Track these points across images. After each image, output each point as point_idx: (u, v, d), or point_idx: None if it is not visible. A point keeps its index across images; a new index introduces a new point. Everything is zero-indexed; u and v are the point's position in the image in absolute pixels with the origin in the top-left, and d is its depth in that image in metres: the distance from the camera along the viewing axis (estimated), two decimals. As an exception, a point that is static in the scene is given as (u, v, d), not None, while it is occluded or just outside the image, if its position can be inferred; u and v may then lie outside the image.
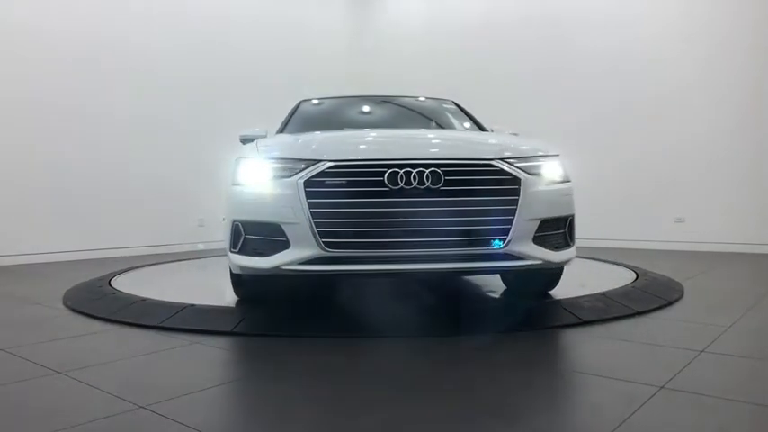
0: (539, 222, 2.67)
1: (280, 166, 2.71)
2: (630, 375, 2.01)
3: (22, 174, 5.68)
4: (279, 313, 3.07)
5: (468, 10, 8.22)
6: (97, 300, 3.41)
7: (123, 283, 3.88)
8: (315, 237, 2.54)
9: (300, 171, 2.62)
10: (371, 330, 2.72)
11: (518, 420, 1.62)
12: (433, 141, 3.11)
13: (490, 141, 3.12)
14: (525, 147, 2.91)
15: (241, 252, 2.78)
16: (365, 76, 8.57)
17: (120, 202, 6.24)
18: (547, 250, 2.72)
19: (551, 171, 2.84)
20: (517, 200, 2.61)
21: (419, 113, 4.31)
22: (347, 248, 2.56)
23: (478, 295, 3.60)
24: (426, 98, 4.50)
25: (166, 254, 6.08)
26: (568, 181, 2.92)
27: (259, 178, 2.74)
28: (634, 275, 4.01)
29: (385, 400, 1.80)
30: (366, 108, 4.39)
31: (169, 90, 6.77)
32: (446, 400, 1.80)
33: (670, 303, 3.32)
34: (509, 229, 2.58)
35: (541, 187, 2.73)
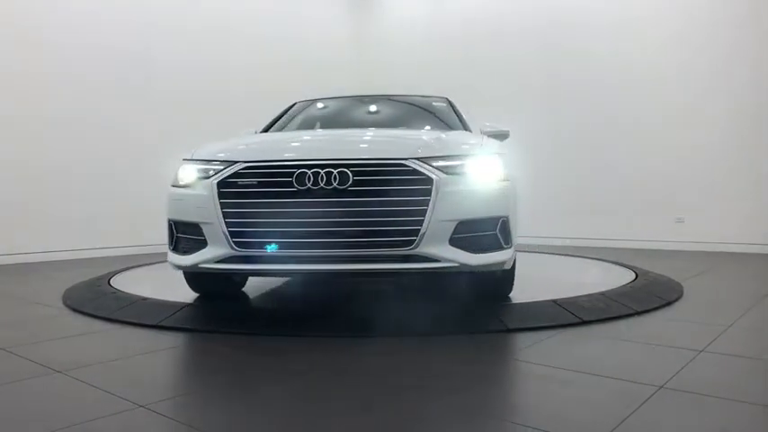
0: (455, 224, 2.58)
1: (203, 167, 2.80)
2: (630, 375, 2.01)
3: (21, 173, 5.67)
4: (281, 313, 3.07)
5: (468, 10, 8.22)
6: (97, 299, 3.41)
7: (123, 283, 3.88)
8: (226, 236, 2.62)
9: (218, 172, 2.72)
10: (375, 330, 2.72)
11: (517, 420, 1.62)
12: (352, 141, 3.02)
13: (409, 140, 2.94)
14: (452, 146, 2.83)
15: (174, 250, 2.93)
16: (367, 75, 8.58)
17: (120, 201, 6.24)
18: (465, 253, 2.59)
19: (481, 170, 2.71)
20: (428, 200, 2.53)
21: (401, 113, 4.28)
22: (256, 248, 2.62)
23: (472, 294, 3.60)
24: (418, 96, 4.47)
25: (167, 253, 6.06)
26: (505, 180, 2.80)
27: (188, 179, 2.85)
28: (634, 275, 4.01)
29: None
30: (351, 108, 4.41)
31: (170, 96, 6.78)
32: (444, 399, 1.80)
33: (670, 303, 3.32)
34: (419, 231, 2.52)
35: (461, 187, 2.62)
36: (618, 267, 4.56)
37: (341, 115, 4.32)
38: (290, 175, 2.59)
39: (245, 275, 3.42)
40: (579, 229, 7.06)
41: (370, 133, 3.51)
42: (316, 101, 4.64)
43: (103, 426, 1.63)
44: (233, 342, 2.57)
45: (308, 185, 2.56)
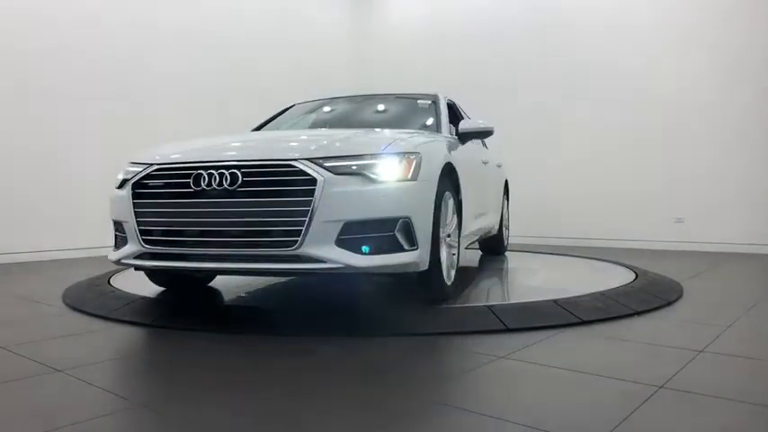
0: (341, 224, 2.54)
1: (130, 169, 2.97)
2: (629, 375, 2.02)
3: (21, 172, 5.67)
4: (276, 313, 3.07)
5: (468, 9, 8.22)
6: (96, 298, 3.41)
7: (123, 282, 3.88)
8: (137, 234, 2.80)
9: (135, 174, 2.89)
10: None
11: (517, 419, 1.62)
12: (249, 143, 3.04)
13: (304, 141, 2.93)
14: (352, 146, 2.78)
15: (114, 246, 3.08)
16: (368, 74, 8.59)
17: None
18: (352, 254, 2.54)
19: (379, 170, 2.65)
20: (311, 201, 2.52)
21: (384, 113, 4.28)
22: (159, 245, 2.77)
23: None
24: (404, 96, 4.45)
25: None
26: (410, 180, 2.70)
27: (120, 180, 3.03)
28: (633, 275, 4.01)
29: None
30: (340, 109, 4.44)
31: (170, 97, 6.78)
32: (444, 398, 1.80)
33: (669, 303, 3.32)
34: (302, 231, 2.52)
35: (351, 188, 2.57)
36: (618, 267, 4.56)
37: (327, 116, 4.37)
38: (189, 176, 2.71)
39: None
40: (579, 229, 7.07)
41: (277, 135, 3.49)
42: (310, 102, 4.71)
43: (103, 424, 1.63)
44: (233, 340, 2.58)
45: (203, 186, 2.66)
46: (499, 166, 5.33)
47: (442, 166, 2.95)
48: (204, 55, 7.17)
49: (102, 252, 5.95)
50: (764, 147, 6.12)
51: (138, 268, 3.07)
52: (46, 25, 5.87)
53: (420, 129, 3.77)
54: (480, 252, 5.66)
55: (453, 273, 3.19)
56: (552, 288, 3.78)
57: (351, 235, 2.55)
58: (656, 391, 1.84)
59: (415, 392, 1.86)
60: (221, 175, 2.64)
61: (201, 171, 2.68)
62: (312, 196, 2.52)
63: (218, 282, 3.89)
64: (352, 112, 4.37)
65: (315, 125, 4.25)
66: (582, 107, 7.19)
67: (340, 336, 2.63)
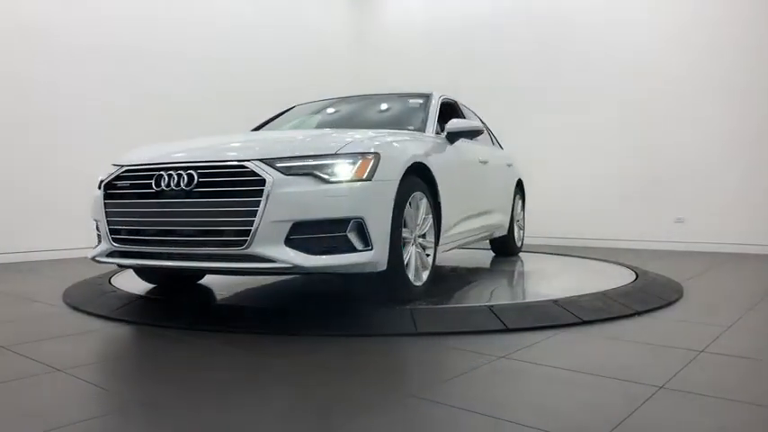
0: (290, 224, 2.57)
1: (108, 170, 3.08)
2: (629, 375, 2.02)
3: (21, 172, 5.68)
4: (269, 311, 3.07)
5: (469, 9, 8.22)
6: (97, 297, 3.42)
7: (124, 281, 3.88)
8: (107, 233, 2.94)
9: (110, 175, 3.01)
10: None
11: (517, 419, 1.63)
12: (207, 145, 3.07)
13: (259, 142, 2.94)
14: (307, 146, 2.81)
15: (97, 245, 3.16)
16: (370, 76, 8.59)
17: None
18: (302, 254, 2.56)
19: (331, 171, 2.66)
20: (259, 201, 2.56)
21: (375, 113, 4.28)
22: (126, 244, 2.89)
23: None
24: (396, 95, 4.44)
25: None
26: (365, 180, 2.69)
27: (99, 180, 3.13)
28: (634, 275, 4.01)
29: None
30: (335, 110, 4.46)
31: (170, 97, 6.78)
32: (443, 398, 1.80)
33: (669, 303, 3.32)
34: (251, 231, 2.56)
35: (300, 188, 2.59)
36: (618, 267, 4.56)
37: (323, 117, 4.40)
38: (151, 177, 2.81)
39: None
40: (579, 230, 7.07)
41: (242, 137, 3.47)
42: (309, 103, 4.76)
43: (104, 424, 1.63)
44: (233, 341, 2.58)
45: (163, 187, 2.75)
46: (509, 166, 5.26)
47: (407, 165, 2.93)
48: (204, 55, 7.17)
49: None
50: (765, 147, 6.12)
51: (120, 265, 3.18)
52: (46, 24, 5.88)
53: (405, 128, 3.72)
54: (493, 253, 5.57)
55: (427, 273, 3.19)
56: (552, 288, 3.78)
57: (300, 235, 2.57)
58: (656, 392, 1.84)
59: (415, 393, 1.86)
60: (179, 176, 2.72)
61: (162, 172, 2.78)
62: (261, 196, 2.56)
63: (220, 282, 3.90)
64: (346, 112, 4.38)
65: (307, 126, 4.33)
66: (582, 106, 7.19)
67: (339, 336, 2.63)
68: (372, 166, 2.72)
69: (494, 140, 5.44)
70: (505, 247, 5.43)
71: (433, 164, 3.27)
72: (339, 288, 3.74)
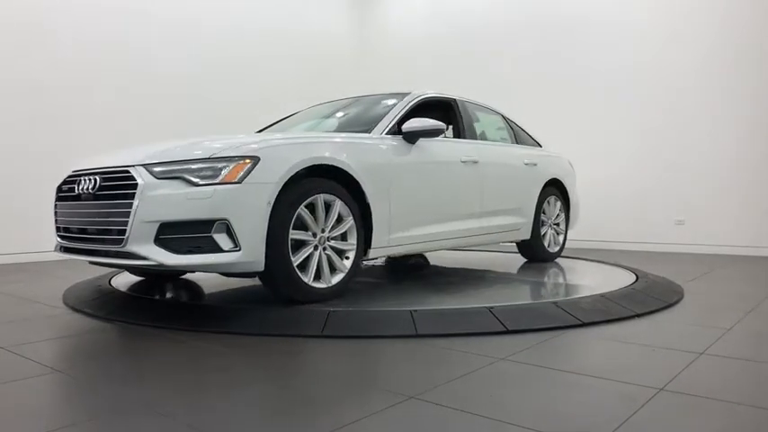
0: (158, 225, 2.73)
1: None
2: (630, 377, 2.01)
3: (21, 172, 5.68)
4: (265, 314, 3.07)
5: (469, 9, 8.24)
6: (97, 299, 3.42)
7: (124, 283, 3.89)
8: (55, 230, 3.36)
9: (62, 180, 3.36)
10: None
11: (516, 421, 1.62)
12: (114, 152, 3.31)
13: (145, 149, 3.09)
14: (180, 152, 2.92)
15: None
16: (371, 76, 8.61)
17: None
18: (168, 253, 2.73)
19: (201, 174, 2.79)
20: (132, 203, 2.78)
21: (352, 115, 4.25)
22: (64, 240, 3.27)
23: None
24: (378, 95, 4.40)
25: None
26: (235, 183, 2.77)
27: None
28: (634, 277, 4.01)
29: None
30: (324, 112, 4.48)
31: (175, 100, 6.79)
32: (443, 399, 1.80)
33: (670, 305, 3.32)
34: (125, 230, 2.79)
35: (168, 191, 2.75)
36: (618, 269, 4.56)
37: (312, 121, 4.43)
38: (74, 182, 3.18)
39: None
40: (579, 231, 7.06)
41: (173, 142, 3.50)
42: (317, 106, 4.79)
43: (104, 425, 1.63)
44: (231, 342, 2.58)
45: (79, 191, 3.10)
46: (530, 165, 4.86)
47: (298, 168, 2.95)
48: (204, 56, 7.19)
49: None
50: (766, 149, 6.12)
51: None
52: (46, 23, 5.89)
53: (355, 130, 3.72)
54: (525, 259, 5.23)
55: (341, 276, 3.18)
56: (552, 290, 3.78)
57: (168, 235, 2.74)
58: (656, 394, 1.83)
59: (416, 395, 1.86)
60: (89, 181, 3.05)
61: (81, 178, 3.13)
62: (134, 199, 2.79)
63: (223, 283, 3.89)
64: (329, 115, 4.39)
65: (293, 127, 4.40)
66: (582, 108, 7.20)
67: (339, 337, 2.63)
68: (247, 170, 2.81)
69: (515, 138, 5.12)
70: (533, 252, 5.07)
71: (357, 165, 3.24)
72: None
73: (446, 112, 4.47)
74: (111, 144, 6.18)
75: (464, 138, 4.37)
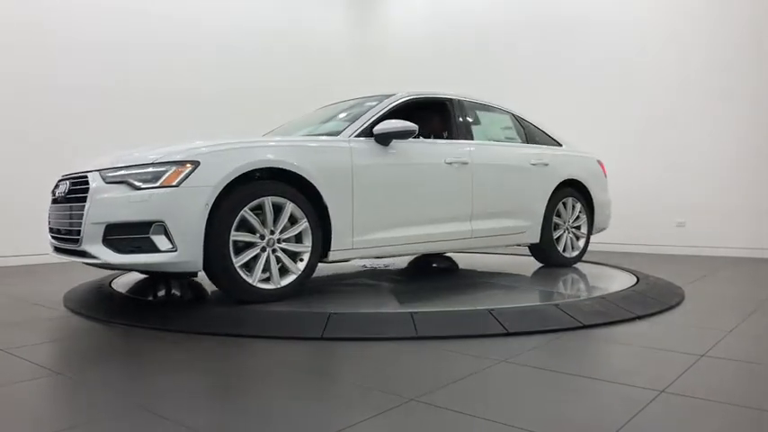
0: (104, 226, 2.92)
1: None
2: (631, 379, 2.01)
3: (22, 173, 5.69)
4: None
5: (469, 9, 8.25)
6: (98, 301, 3.41)
7: (124, 285, 3.88)
8: (48, 231, 3.51)
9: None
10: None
11: (517, 423, 1.62)
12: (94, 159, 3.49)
13: (114, 155, 3.31)
14: (130, 158, 3.09)
15: None
16: (372, 77, 8.61)
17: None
18: (112, 252, 2.91)
19: (143, 178, 2.93)
20: (84, 206, 3.01)
21: (336, 117, 4.24)
22: (52, 240, 3.44)
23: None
24: (364, 97, 4.35)
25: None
26: (173, 187, 2.87)
27: None
28: (635, 279, 4.01)
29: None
30: (321, 116, 4.47)
31: (177, 103, 6.81)
32: (443, 400, 1.80)
33: (671, 307, 3.32)
34: (80, 231, 3.01)
35: (113, 195, 2.95)
36: (619, 271, 4.55)
37: (311, 126, 4.38)
38: (56, 187, 3.44)
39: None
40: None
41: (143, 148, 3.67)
42: (319, 110, 4.79)
43: (105, 428, 1.63)
44: (231, 344, 2.58)
45: (56, 195, 3.36)
46: (538, 165, 4.61)
47: (235, 172, 2.99)
48: (204, 56, 7.19)
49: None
50: (766, 148, 6.12)
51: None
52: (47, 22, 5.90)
53: (325, 133, 3.73)
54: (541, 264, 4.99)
55: (291, 278, 3.20)
56: (553, 291, 3.77)
57: (114, 235, 2.93)
58: (657, 396, 1.83)
59: (416, 397, 1.85)
60: (63, 185, 3.30)
61: (60, 183, 3.39)
62: (86, 202, 3.00)
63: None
64: (316, 119, 4.38)
65: (286, 130, 4.43)
66: (582, 108, 7.20)
67: (339, 339, 2.63)
68: (186, 174, 2.91)
69: (525, 137, 4.88)
70: (545, 257, 4.83)
71: (312, 168, 3.25)
72: (342, 291, 3.74)
73: (441, 113, 4.39)
74: (111, 144, 6.23)
75: (457, 138, 4.23)
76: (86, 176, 3.08)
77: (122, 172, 2.99)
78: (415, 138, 3.83)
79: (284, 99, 7.42)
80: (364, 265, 4.84)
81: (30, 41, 5.80)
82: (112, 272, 4.40)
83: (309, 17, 8.49)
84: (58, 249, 3.38)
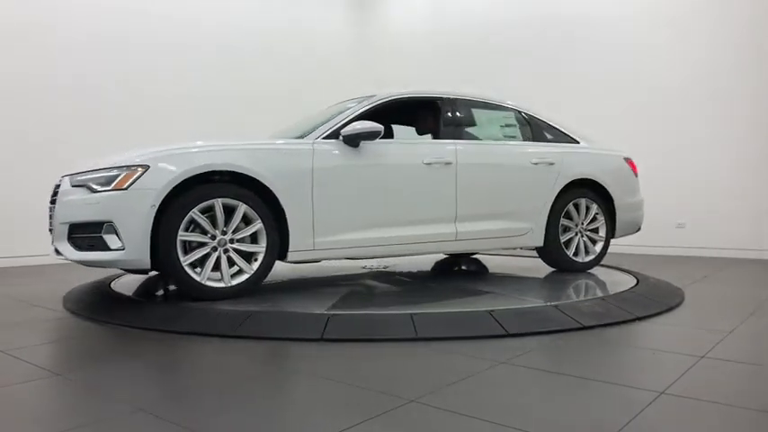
0: (67, 226, 3.17)
1: None
2: (630, 380, 2.01)
3: (22, 174, 5.68)
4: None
5: (469, 9, 8.25)
6: (97, 302, 3.41)
7: (124, 286, 3.88)
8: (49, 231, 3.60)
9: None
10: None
11: (517, 424, 1.62)
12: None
13: (93, 161, 3.49)
14: (97, 162, 3.31)
15: None
16: (372, 77, 8.61)
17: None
18: (73, 250, 3.16)
19: (98, 182, 3.14)
20: (54, 207, 3.27)
21: (317, 120, 4.16)
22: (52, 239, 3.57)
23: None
24: (350, 100, 4.32)
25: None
26: (122, 190, 3.08)
27: None
28: (634, 280, 4.00)
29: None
30: (322, 115, 4.40)
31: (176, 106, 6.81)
32: (442, 400, 1.80)
33: (670, 309, 3.32)
34: (52, 230, 3.30)
35: (73, 197, 3.17)
36: (618, 272, 4.55)
37: (304, 124, 4.34)
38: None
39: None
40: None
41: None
42: (324, 109, 4.75)
43: (104, 428, 1.62)
44: (232, 345, 2.57)
45: (51, 196, 3.49)
46: (540, 165, 4.37)
47: (183, 175, 3.12)
48: (204, 56, 7.19)
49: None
50: (766, 149, 6.12)
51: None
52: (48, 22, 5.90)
53: (296, 136, 3.74)
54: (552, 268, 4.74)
55: (242, 278, 3.28)
56: (553, 293, 3.77)
57: (75, 234, 3.17)
58: (657, 397, 1.83)
59: (416, 398, 1.85)
60: (54, 187, 3.41)
61: (56, 185, 3.47)
62: (55, 204, 3.27)
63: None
64: (317, 119, 4.27)
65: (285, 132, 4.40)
66: (581, 108, 7.19)
67: (339, 340, 2.63)
68: (135, 177, 3.10)
69: (532, 135, 4.65)
70: (553, 260, 4.58)
71: (266, 170, 3.30)
72: (344, 291, 3.74)
73: (429, 112, 4.31)
74: (111, 144, 6.23)
75: (444, 138, 4.10)
76: (61, 181, 3.34)
77: (84, 176, 3.21)
78: (388, 138, 3.79)
79: (284, 99, 7.42)
80: (364, 267, 4.84)
81: (30, 41, 5.80)
82: (112, 273, 4.40)
83: (309, 17, 8.49)
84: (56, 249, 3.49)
